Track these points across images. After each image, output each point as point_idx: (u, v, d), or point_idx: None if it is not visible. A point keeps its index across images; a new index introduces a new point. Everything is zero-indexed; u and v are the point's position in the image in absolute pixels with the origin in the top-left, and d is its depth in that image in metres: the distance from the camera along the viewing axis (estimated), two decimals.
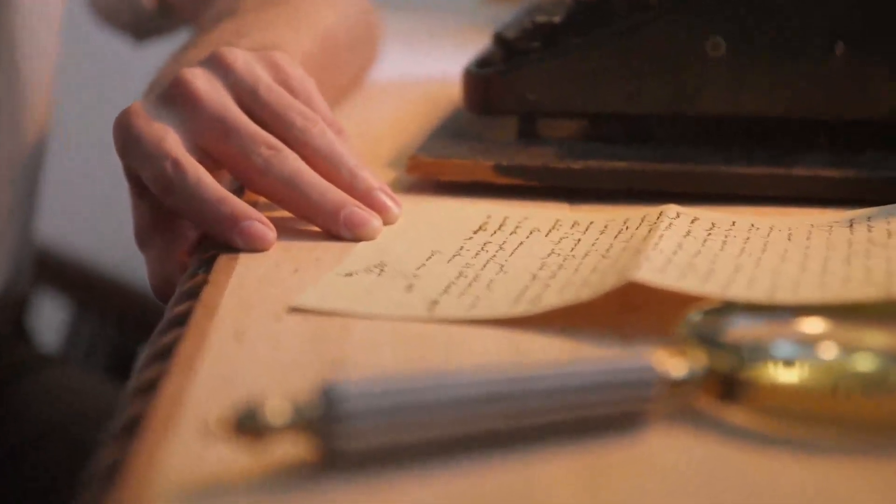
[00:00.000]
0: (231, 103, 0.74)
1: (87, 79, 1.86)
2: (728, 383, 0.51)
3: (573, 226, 0.75)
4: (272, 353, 0.57)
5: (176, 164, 0.71)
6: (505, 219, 0.76)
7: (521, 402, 0.49)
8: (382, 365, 0.57)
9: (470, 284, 0.64)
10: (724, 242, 0.69)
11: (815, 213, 0.76)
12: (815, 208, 0.77)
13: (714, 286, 0.60)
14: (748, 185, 0.78)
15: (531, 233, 0.73)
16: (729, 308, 0.57)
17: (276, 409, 0.46)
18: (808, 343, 0.54)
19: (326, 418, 0.47)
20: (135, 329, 1.31)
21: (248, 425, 0.46)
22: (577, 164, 0.79)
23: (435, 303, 0.62)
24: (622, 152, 0.81)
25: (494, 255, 0.69)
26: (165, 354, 0.60)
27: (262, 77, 0.75)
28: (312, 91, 0.77)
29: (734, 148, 0.82)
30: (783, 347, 0.53)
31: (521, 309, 0.61)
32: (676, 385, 0.51)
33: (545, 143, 0.84)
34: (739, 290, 0.60)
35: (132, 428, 0.52)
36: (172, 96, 0.74)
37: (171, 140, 0.72)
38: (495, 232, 0.73)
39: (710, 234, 0.70)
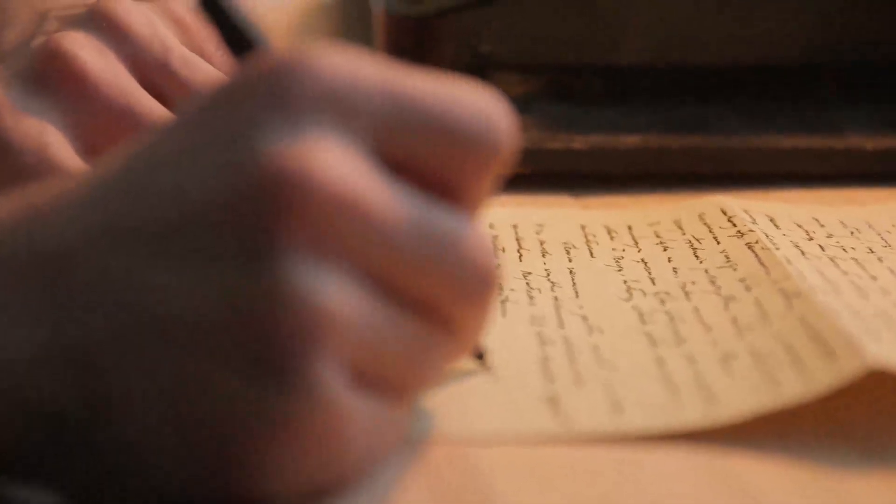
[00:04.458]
0: (132, 84, 0.50)
1: None
2: None
3: (612, 236, 0.55)
4: None
5: None
6: (515, 230, 0.55)
7: None
8: None
9: (572, 360, 0.44)
10: (857, 262, 0.51)
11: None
12: (865, 187, 0.61)
13: None
14: (804, 162, 0.60)
15: (568, 252, 0.53)
16: None
17: None
18: None
19: None
20: None
21: None
22: (579, 143, 0.59)
23: (554, 402, 0.42)
24: (609, 116, 0.62)
25: (557, 298, 0.49)
26: None
27: (172, 44, 0.52)
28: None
29: (734, 103, 0.64)
30: None
31: (699, 415, 0.40)
32: None
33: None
34: None
35: None
36: (48, 76, 0.50)
37: (55, 143, 0.49)
38: (520, 253, 0.53)
39: (823, 249, 0.52)
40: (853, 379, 0.40)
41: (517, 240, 0.54)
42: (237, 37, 0.38)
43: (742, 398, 0.41)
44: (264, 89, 0.34)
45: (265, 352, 0.33)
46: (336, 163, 0.34)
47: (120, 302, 0.34)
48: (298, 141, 0.34)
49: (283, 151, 0.33)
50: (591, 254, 0.53)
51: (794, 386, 0.41)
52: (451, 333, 0.36)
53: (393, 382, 0.36)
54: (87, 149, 0.49)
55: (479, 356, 0.42)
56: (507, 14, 0.61)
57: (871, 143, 0.60)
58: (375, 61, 0.35)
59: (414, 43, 0.63)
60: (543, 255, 0.53)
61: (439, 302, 0.36)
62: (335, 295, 0.33)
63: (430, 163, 0.36)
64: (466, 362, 0.42)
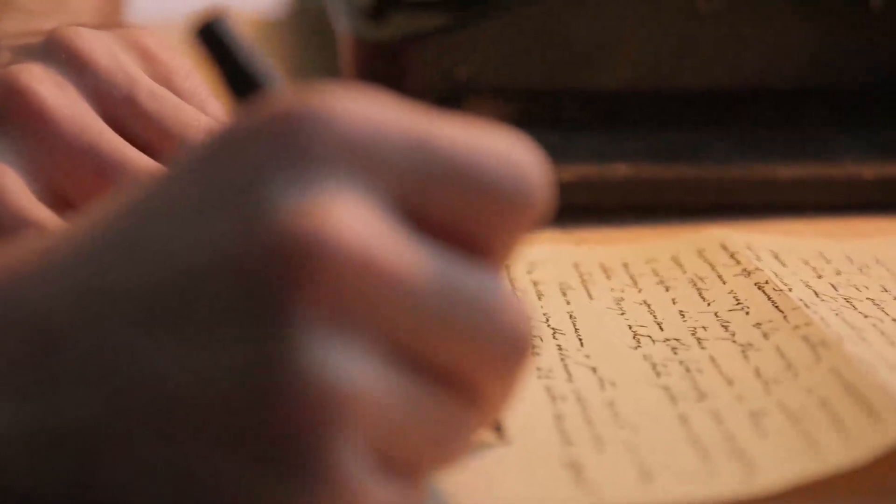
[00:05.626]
0: (96, 121, 0.46)
1: None
2: None
3: (608, 275, 0.52)
4: None
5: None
6: (506, 270, 0.52)
7: None
8: None
9: (588, 420, 0.40)
10: (875, 303, 0.48)
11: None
12: (866, 217, 0.58)
13: None
14: (802, 192, 0.57)
15: (565, 293, 0.50)
16: None
17: None
18: None
19: None
20: None
21: None
22: (568, 174, 0.56)
23: (575, 468, 0.38)
24: (594, 144, 0.58)
25: (560, 347, 0.45)
26: None
27: (137, 76, 0.47)
28: (200, 87, 0.50)
29: (721, 129, 0.61)
30: None
31: (736, 484, 0.36)
32: None
33: None
34: None
35: None
36: (4, 114, 0.45)
37: (12, 186, 0.45)
38: None
39: (835, 288, 0.49)
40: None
41: (509, 280, 0.50)
42: (240, 74, 0.34)
43: (780, 463, 0.37)
44: (274, 137, 0.31)
45: (279, 438, 0.30)
46: (356, 221, 0.30)
47: (114, 378, 0.30)
48: (314, 197, 0.30)
49: (298, 209, 0.30)
50: (590, 295, 0.49)
51: (837, 449, 0.37)
52: (476, 404, 0.33)
53: (415, 461, 0.32)
54: (48, 192, 0.45)
55: (497, 428, 0.39)
56: (484, 37, 0.58)
57: (870, 171, 0.57)
58: (397, 106, 0.32)
59: (384, 67, 0.59)
60: (539, 298, 0.49)
61: (466, 370, 0.32)
62: (357, 371, 0.30)
63: (458, 218, 0.32)
64: (483, 434, 0.38)
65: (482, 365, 0.32)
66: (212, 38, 0.34)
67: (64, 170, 0.45)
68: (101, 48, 0.47)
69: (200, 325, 0.30)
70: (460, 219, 0.32)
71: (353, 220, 0.30)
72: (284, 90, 0.35)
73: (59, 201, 0.45)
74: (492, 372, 0.32)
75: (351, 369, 0.30)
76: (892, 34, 0.59)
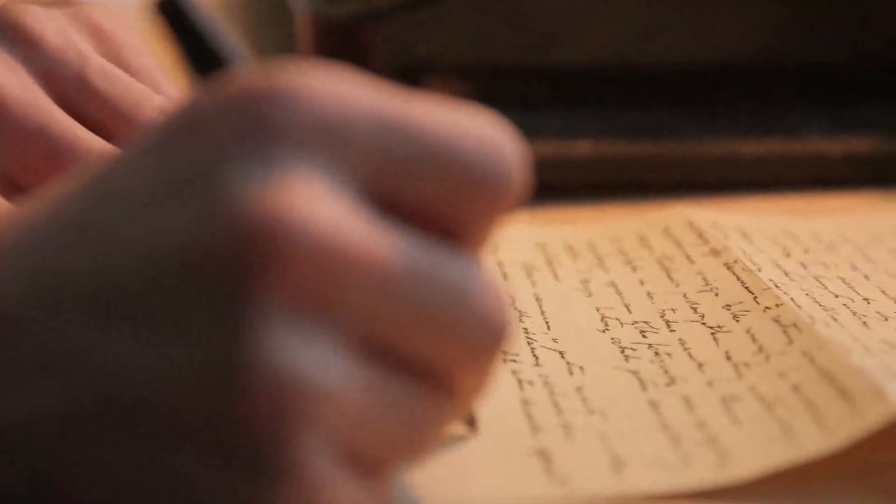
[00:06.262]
0: (47, 102, 0.45)
1: None
2: None
3: (573, 256, 0.50)
4: None
5: None
6: None
7: None
8: None
9: (556, 406, 0.39)
10: (845, 282, 0.47)
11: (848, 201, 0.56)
12: (831, 193, 0.57)
13: None
14: (766, 168, 0.56)
15: (530, 275, 0.49)
16: None
17: None
18: None
19: None
20: None
21: None
22: (530, 152, 0.55)
23: (545, 456, 0.37)
24: (554, 122, 0.57)
25: (527, 330, 0.44)
26: None
27: (88, 54, 0.46)
28: (153, 65, 0.49)
29: (682, 107, 0.60)
30: None
31: (710, 472, 0.35)
32: None
33: None
34: None
35: None
36: None
37: None
38: None
39: (805, 267, 0.48)
40: (879, 427, 0.36)
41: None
42: (203, 51, 0.32)
43: (755, 450, 0.36)
44: (238, 117, 0.29)
45: (242, 437, 0.28)
46: (324, 205, 0.28)
47: (73, 370, 0.29)
48: (280, 179, 0.28)
49: (262, 192, 0.28)
50: (556, 276, 0.48)
51: (813, 436, 0.36)
52: (449, 396, 0.31)
53: (384, 456, 0.31)
54: None
55: (470, 420, 0.37)
56: (445, 15, 0.56)
57: (835, 148, 0.56)
58: (367, 85, 0.30)
59: (342, 46, 0.57)
60: (504, 279, 0.48)
61: (440, 362, 0.31)
62: (322, 364, 0.28)
63: (431, 201, 0.30)
64: (454, 427, 0.37)
65: (457, 356, 0.31)
66: (173, 12, 0.32)
67: (14, 153, 0.44)
68: (50, 26, 0.45)
69: (159, 313, 0.28)
70: (434, 202, 0.30)
71: (320, 203, 0.28)
72: (249, 68, 0.33)
73: (10, 187, 0.44)
74: (467, 363, 0.31)
75: (316, 361, 0.28)
76: (858, 11, 0.58)
